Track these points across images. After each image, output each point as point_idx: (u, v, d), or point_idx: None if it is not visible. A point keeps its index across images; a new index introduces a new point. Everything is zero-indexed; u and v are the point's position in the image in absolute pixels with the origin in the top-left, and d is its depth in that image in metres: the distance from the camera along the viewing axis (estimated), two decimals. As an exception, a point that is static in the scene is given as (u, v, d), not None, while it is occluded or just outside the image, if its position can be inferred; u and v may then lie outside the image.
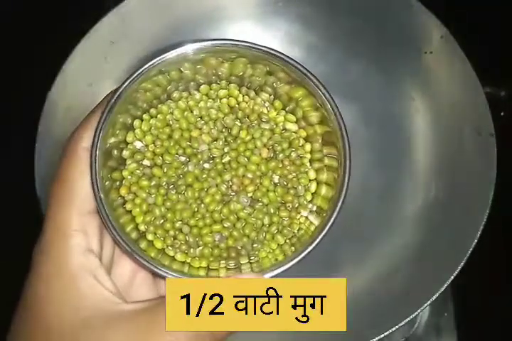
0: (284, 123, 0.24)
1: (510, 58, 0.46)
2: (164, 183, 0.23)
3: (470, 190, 0.37)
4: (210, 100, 0.24)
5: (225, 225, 0.23)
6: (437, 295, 0.34)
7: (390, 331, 0.33)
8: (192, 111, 0.24)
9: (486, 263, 0.41)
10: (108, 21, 0.38)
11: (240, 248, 0.23)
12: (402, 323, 0.33)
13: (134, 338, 0.19)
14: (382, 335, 0.33)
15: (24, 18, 0.49)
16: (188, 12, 0.42)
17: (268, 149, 0.24)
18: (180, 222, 0.23)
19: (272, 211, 0.23)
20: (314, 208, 0.23)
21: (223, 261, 0.23)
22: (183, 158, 0.23)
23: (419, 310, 0.33)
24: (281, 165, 0.23)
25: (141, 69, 0.22)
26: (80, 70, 0.38)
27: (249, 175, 0.23)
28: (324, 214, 0.22)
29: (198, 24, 0.42)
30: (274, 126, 0.24)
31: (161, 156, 0.23)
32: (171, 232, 0.23)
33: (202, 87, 0.25)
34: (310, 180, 0.24)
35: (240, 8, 0.42)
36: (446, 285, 0.34)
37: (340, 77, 0.43)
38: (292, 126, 0.24)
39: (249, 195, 0.23)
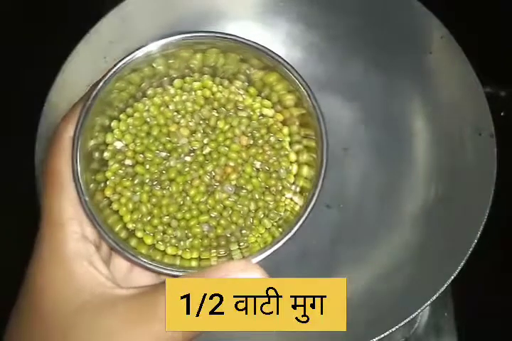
0: (260, 110, 0.24)
1: (510, 58, 0.46)
2: (148, 180, 0.23)
3: (470, 190, 0.37)
4: (185, 93, 0.24)
5: (212, 215, 0.23)
6: (437, 295, 0.34)
7: (390, 331, 0.33)
8: (168, 106, 0.24)
9: (486, 263, 0.41)
10: (108, 21, 0.39)
11: (229, 235, 0.23)
12: (402, 323, 0.33)
13: (128, 320, 0.20)
14: (382, 335, 0.33)
15: (24, 18, 0.49)
16: (188, 12, 0.42)
17: (247, 136, 0.24)
18: (167, 217, 0.23)
19: (256, 197, 0.23)
20: (298, 189, 0.24)
21: (214, 250, 0.23)
22: (163, 154, 0.23)
23: (419, 310, 0.33)
24: (261, 151, 0.24)
25: (114, 69, 0.22)
26: (80, 70, 0.38)
27: (231, 164, 0.23)
28: (307, 194, 0.22)
29: (198, 24, 0.42)
30: (252, 113, 0.24)
31: (142, 154, 0.24)
32: (160, 227, 0.23)
33: (175, 81, 0.25)
34: (291, 163, 0.24)
35: (241, 8, 0.42)
36: (446, 285, 0.34)
37: (340, 76, 0.43)
38: (269, 112, 0.24)
39: (233, 183, 0.23)
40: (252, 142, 0.24)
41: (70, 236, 0.21)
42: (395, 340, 0.41)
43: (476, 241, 0.34)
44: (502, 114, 0.46)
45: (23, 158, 0.36)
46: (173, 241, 0.23)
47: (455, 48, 0.38)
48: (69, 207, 0.21)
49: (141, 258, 0.21)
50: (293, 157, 0.24)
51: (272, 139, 0.24)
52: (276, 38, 0.44)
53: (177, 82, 0.25)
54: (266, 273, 0.20)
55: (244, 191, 0.23)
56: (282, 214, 0.23)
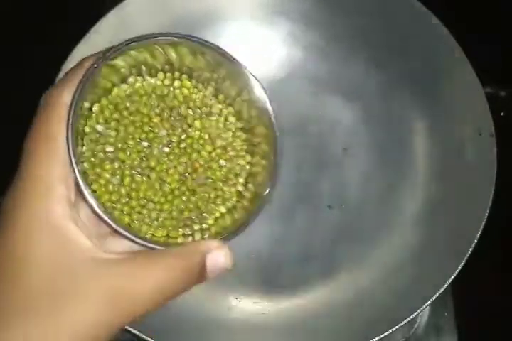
0: (227, 116, 0.27)
1: (510, 58, 0.46)
2: (127, 165, 0.25)
3: (470, 190, 0.37)
4: (166, 88, 0.27)
5: (183, 199, 0.26)
6: (437, 295, 0.34)
7: (390, 331, 0.33)
8: (150, 97, 0.26)
9: (486, 263, 0.41)
10: (108, 22, 0.38)
11: (193, 217, 0.26)
12: (403, 323, 0.33)
13: (121, 280, 0.20)
14: (383, 335, 0.33)
15: (24, 18, 0.49)
16: (188, 12, 0.42)
17: (220, 139, 0.27)
18: (144, 200, 0.25)
19: (218, 186, 0.27)
20: (250, 185, 0.27)
21: (180, 230, 0.26)
22: (145, 143, 0.25)
23: (420, 310, 0.33)
24: (225, 152, 0.27)
25: (117, 49, 0.24)
26: (80, 70, 0.38)
27: (201, 162, 0.26)
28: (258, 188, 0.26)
29: (198, 24, 0.42)
30: (221, 118, 0.27)
31: (124, 141, 0.25)
32: (137, 209, 0.25)
33: (159, 74, 0.27)
34: (247, 163, 0.28)
35: (241, 8, 0.42)
36: (446, 285, 0.34)
37: (340, 76, 0.43)
38: (232, 119, 0.28)
39: (201, 174, 0.26)
40: (220, 143, 0.27)
41: (60, 199, 0.21)
42: (395, 340, 0.41)
43: (476, 241, 0.35)
44: (502, 113, 0.46)
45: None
46: (147, 220, 0.25)
47: (455, 48, 0.38)
48: (59, 170, 0.21)
49: (129, 231, 0.23)
50: (248, 158, 0.28)
51: (235, 143, 0.27)
52: (277, 37, 0.44)
53: (160, 75, 0.26)
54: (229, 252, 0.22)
55: (209, 181, 0.27)
56: (234, 202, 0.27)
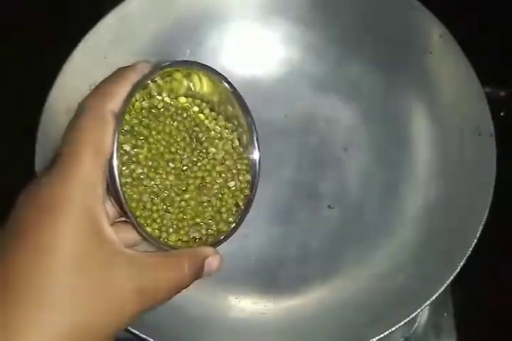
0: (233, 140, 0.30)
1: (510, 58, 0.46)
2: (155, 183, 0.27)
3: (470, 189, 0.37)
4: (187, 111, 0.29)
5: (196, 209, 0.29)
6: (437, 294, 0.34)
7: (390, 330, 0.33)
8: (175, 120, 0.28)
9: (486, 263, 0.41)
10: (108, 21, 0.39)
11: (201, 224, 0.29)
12: (402, 323, 0.33)
13: (147, 275, 0.23)
14: (382, 335, 0.33)
15: (24, 18, 0.49)
16: (188, 12, 0.42)
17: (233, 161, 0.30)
18: (163, 212, 0.28)
19: (224, 198, 0.30)
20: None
21: (191, 235, 0.29)
22: (171, 164, 0.28)
23: (419, 310, 0.33)
24: (228, 169, 0.30)
25: (162, 67, 0.26)
26: (80, 70, 0.38)
27: (210, 179, 0.29)
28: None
29: (198, 24, 0.42)
30: (229, 142, 0.30)
31: (152, 161, 0.27)
32: (158, 221, 0.28)
33: (180, 98, 0.29)
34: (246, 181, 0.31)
35: (240, 9, 0.42)
36: (445, 285, 0.34)
37: (340, 77, 0.43)
38: (237, 142, 0.31)
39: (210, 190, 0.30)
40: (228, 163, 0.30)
41: (100, 199, 0.22)
42: (395, 340, 0.41)
43: (476, 241, 0.35)
44: (502, 113, 0.46)
45: (23, 158, 0.36)
46: (163, 228, 0.28)
47: (454, 48, 0.38)
48: (101, 173, 0.23)
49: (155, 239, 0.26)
50: (248, 177, 0.31)
51: (238, 164, 0.31)
52: (275, 38, 0.44)
53: (182, 99, 0.29)
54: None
55: (217, 193, 0.30)
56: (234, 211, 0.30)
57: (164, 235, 0.28)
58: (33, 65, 0.47)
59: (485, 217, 0.35)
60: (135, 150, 0.27)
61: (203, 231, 0.29)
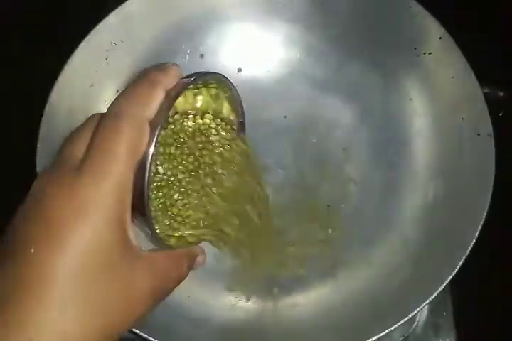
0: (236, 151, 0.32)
1: (510, 58, 0.46)
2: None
3: (469, 189, 0.37)
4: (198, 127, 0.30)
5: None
6: (436, 294, 0.34)
7: (389, 330, 0.33)
8: (199, 136, 0.30)
9: (486, 262, 0.41)
10: (109, 22, 0.39)
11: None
12: (401, 322, 0.33)
13: (160, 270, 0.24)
14: (382, 334, 0.33)
15: (24, 18, 0.49)
16: (189, 13, 0.42)
17: None
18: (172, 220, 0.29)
19: None
20: None
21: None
22: (185, 176, 0.29)
23: (418, 309, 0.34)
24: None
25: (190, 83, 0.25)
26: (81, 71, 0.38)
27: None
28: None
29: (198, 25, 0.42)
30: (233, 153, 0.31)
31: (180, 181, 0.29)
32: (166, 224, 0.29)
33: (207, 115, 0.30)
34: None
35: (240, 9, 0.42)
36: (445, 284, 0.34)
37: (340, 77, 0.43)
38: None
39: None
40: None
41: (130, 202, 0.23)
42: (394, 339, 0.41)
43: (474, 240, 0.35)
44: (500, 114, 0.46)
45: (24, 158, 0.36)
46: (169, 232, 0.29)
47: (453, 48, 0.38)
48: (131, 175, 0.23)
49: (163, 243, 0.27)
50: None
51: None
52: (275, 38, 0.44)
53: (207, 116, 0.30)
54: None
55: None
56: None
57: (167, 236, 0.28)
58: (34, 65, 0.47)
59: (484, 217, 0.35)
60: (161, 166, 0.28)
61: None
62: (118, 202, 0.22)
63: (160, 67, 0.25)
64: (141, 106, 0.23)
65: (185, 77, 0.26)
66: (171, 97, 0.24)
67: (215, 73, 0.28)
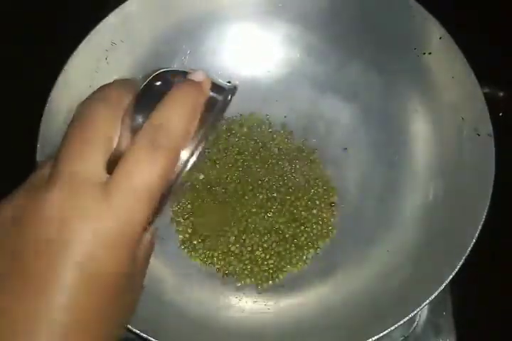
0: None
1: (510, 58, 0.46)
2: None
3: (469, 189, 0.37)
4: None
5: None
6: (436, 294, 0.34)
7: (389, 330, 0.33)
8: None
9: (486, 262, 0.41)
10: (109, 22, 0.39)
11: None
12: (401, 322, 0.33)
13: None
14: (382, 334, 0.33)
15: (24, 18, 0.49)
16: (189, 13, 0.42)
17: None
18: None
19: None
20: None
21: None
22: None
23: (418, 309, 0.34)
24: None
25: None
26: (81, 71, 0.38)
27: None
28: None
29: (198, 25, 0.42)
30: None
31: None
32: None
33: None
34: None
35: (240, 9, 0.42)
36: (445, 284, 0.34)
37: (340, 77, 0.43)
38: None
39: None
40: None
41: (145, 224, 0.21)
42: (394, 339, 0.41)
43: (475, 240, 0.35)
44: (500, 114, 0.46)
45: (24, 158, 0.36)
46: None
47: (453, 49, 0.38)
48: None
49: None
50: None
51: None
52: (275, 38, 0.44)
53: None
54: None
55: None
56: None
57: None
58: (34, 65, 0.47)
59: (484, 217, 0.35)
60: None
61: None
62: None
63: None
64: (180, 138, 0.21)
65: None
66: (208, 129, 0.21)
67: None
